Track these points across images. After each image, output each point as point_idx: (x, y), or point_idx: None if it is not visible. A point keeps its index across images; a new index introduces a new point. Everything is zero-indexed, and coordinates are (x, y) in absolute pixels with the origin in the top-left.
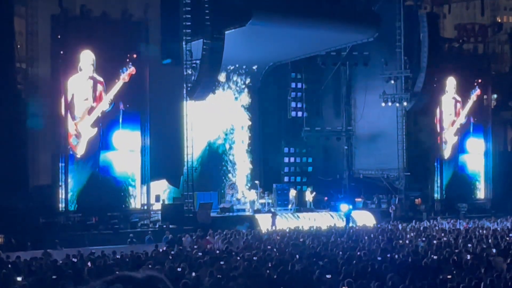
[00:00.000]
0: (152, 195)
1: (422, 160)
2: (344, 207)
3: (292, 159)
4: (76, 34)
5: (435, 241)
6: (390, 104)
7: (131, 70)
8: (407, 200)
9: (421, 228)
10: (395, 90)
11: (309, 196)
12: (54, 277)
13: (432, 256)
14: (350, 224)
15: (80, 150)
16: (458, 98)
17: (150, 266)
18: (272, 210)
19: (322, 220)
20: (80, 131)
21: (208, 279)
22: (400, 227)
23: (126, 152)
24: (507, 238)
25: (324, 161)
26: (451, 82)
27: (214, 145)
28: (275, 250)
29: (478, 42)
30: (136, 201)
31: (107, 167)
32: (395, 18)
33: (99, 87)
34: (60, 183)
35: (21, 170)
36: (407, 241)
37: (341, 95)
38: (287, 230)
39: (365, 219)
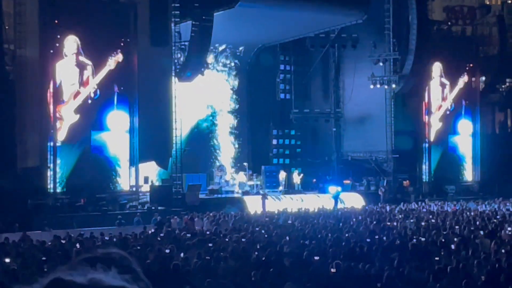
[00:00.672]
0: (140, 177)
1: (411, 142)
2: (333, 189)
3: (280, 141)
4: (64, 15)
5: (423, 223)
6: (378, 86)
7: (118, 57)
8: (395, 182)
9: (409, 210)
10: (384, 72)
11: (296, 178)
12: (43, 258)
13: (420, 238)
14: (339, 206)
15: (61, 135)
16: (446, 82)
17: (138, 247)
18: (261, 192)
19: (310, 202)
20: (63, 115)
21: (196, 260)
22: (388, 209)
23: (119, 133)
24: (495, 220)
25: (312, 143)
26: (438, 66)
27: (202, 126)
28: (263, 232)
29: (467, 25)
30: (125, 183)
31: (100, 148)
32: (384, 0)
33: (86, 72)
34: (49, 165)
35: (9, 152)
36: (395, 223)
37: (329, 77)
38: (276, 212)
39: (354, 201)
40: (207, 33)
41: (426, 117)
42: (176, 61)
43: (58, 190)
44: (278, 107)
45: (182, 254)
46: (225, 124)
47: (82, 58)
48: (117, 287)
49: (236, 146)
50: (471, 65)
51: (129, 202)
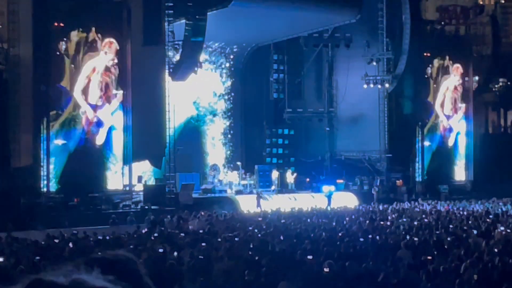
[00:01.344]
0: (134, 176)
1: (403, 141)
2: (326, 188)
3: (274, 140)
4: (57, 14)
5: (416, 223)
6: (372, 86)
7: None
8: (388, 181)
9: (402, 209)
10: (377, 72)
11: (290, 177)
12: (37, 258)
13: (413, 237)
14: (332, 205)
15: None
16: (439, 81)
17: (132, 246)
18: (254, 191)
19: (303, 201)
20: (56, 114)
21: (190, 260)
22: (381, 208)
23: (113, 132)
24: (487, 220)
25: (305, 142)
26: (432, 65)
27: (195, 125)
28: (256, 231)
29: (460, 24)
30: (118, 182)
31: (93, 147)
32: (377, 0)
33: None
34: (42, 164)
35: (2, 151)
36: (388, 223)
37: (323, 76)
38: (269, 211)
39: (347, 200)
40: (201, 32)
41: (419, 116)
42: (169, 60)
43: (51, 189)
44: (272, 106)
45: (175, 254)
46: (219, 124)
47: (76, 57)
48: None
49: (230, 145)
50: (464, 64)
51: (122, 201)
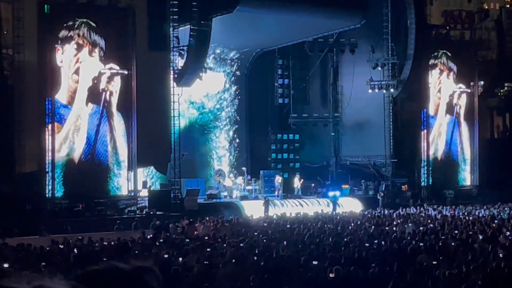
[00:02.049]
0: (139, 182)
1: (409, 146)
2: (332, 193)
3: (279, 146)
4: (62, 20)
5: (421, 228)
6: (377, 91)
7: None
8: (393, 186)
9: (407, 214)
10: (382, 77)
11: (297, 182)
12: (43, 263)
13: (418, 242)
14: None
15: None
16: (444, 86)
17: (137, 252)
18: (260, 196)
19: (309, 207)
20: (62, 119)
21: (196, 265)
22: (386, 213)
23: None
24: (493, 225)
25: (311, 147)
26: (436, 70)
27: (200, 131)
28: (261, 236)
29: (465, 29)
30: (123, 188)
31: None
32: (383, 5)
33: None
34: (47, 170)
35: (7, 157)
36: (393, 228)
37: (328, 81)
38: (274, 217)
39: (352, 205)
40: (206, 37)
41: (425, 121)
42: (174, 65)
43: (57, 195)
44: (277, 111)
45: (180, 259)
46: (224, 129)
47: (80, 63)
48: None
49: (235, 150)
50: (469, 69)
51: (127, 207)
